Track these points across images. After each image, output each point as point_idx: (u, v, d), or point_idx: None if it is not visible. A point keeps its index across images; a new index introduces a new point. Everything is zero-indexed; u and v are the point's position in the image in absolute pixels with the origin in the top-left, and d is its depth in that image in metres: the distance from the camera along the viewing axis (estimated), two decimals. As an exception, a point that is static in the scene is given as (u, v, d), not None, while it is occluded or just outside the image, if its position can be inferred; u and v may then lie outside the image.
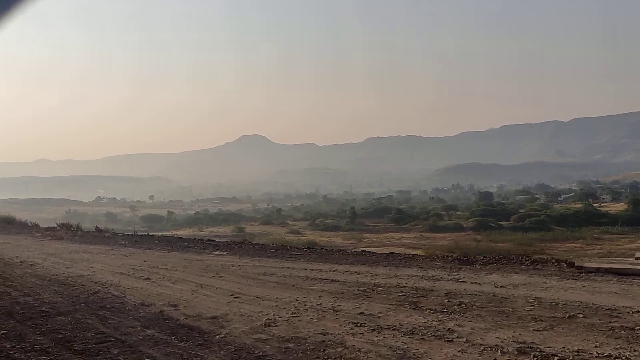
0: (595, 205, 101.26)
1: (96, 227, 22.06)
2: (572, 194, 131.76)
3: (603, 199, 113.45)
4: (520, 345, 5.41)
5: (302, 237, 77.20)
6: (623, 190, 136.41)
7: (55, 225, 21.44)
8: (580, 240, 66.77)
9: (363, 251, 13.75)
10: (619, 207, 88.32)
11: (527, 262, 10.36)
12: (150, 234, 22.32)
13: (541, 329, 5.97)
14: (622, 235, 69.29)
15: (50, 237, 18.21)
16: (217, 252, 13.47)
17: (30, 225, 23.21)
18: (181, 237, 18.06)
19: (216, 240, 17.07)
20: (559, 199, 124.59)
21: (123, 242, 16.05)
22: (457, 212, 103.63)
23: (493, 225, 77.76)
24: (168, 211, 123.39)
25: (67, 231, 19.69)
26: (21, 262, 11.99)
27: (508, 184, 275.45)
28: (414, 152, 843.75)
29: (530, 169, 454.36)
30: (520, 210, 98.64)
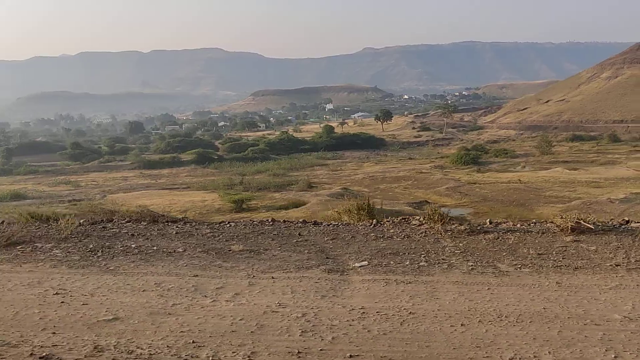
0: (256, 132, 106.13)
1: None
2: (228, 123, 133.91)
3: (260, 127, 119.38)
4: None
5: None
6: (259, 116, 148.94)
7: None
8: (320, 167, 67.59)
9: None
10: (308, 134, 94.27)
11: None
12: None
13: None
14: (340, 160, 73.78)
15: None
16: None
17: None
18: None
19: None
20: (215, 128, 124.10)
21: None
22: (135, 146, 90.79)
23: (214, 157, 70.58)
24: None
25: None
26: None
27: (116, 115, 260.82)
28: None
29: (123, 99, 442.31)
30: (206, 139, 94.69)
